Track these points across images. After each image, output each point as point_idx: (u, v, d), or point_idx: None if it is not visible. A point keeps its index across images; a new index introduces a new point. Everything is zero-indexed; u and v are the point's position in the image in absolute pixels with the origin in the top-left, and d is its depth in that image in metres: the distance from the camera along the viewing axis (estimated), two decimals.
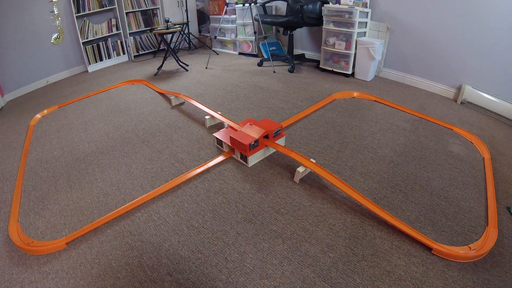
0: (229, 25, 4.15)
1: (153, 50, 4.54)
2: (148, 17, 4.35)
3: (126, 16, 4.03)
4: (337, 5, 2.91)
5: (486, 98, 2.24)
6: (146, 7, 4.23)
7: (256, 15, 3.34)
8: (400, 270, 1.08)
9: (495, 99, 2.20)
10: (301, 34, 3.75)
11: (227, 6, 3.78)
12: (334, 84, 2.88)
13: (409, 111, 2.27)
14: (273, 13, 3.89)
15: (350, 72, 3.05)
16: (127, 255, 1.20)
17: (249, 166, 1.70)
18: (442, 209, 1.35)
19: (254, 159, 1.71)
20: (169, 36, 3.72)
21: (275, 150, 1.81)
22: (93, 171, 1.76)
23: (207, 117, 2.16)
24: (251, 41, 4.00)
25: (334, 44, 3.03)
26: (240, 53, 4.22)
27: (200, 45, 4.80)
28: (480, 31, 2.23)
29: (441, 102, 2.46)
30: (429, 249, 1.16)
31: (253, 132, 1.72)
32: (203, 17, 4.93)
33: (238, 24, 4.01)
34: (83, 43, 3.67)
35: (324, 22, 3.00)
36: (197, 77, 3.29)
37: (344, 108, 2.37)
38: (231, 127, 1.97)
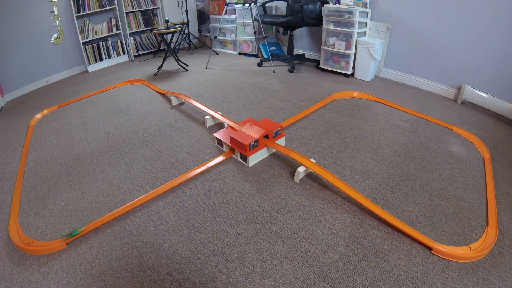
0: (229, 25, 4.15)
1: (153, 50, 4.54)
2: (148, 17, 4.35)
3: (126, 16, 4.03)
4: (337, 5, 2.91)
5: (486, 98, 2.24)
6: (146, 7, 4.23)
7: (256, 15, 3.34)
8: (400, 270, 1.08)
9: (495, 99, 2.20)
10: (301, 34, 3.75)
11: (227, 6, 3.78)
12: (334, 84, 2.88)
13: (409, 111, 2.27)
14: (273, 13, 3.89)
15: (350, 72, 3.05)
16: (127, 255, 1.20)
17: (249, 166, 1.70)
18: (442, 209, 1.35)
19: (254, 159, 1.71)
20: (169, 36, 3.73)
21: (275, 150, 1.81)
22: (93, 171, 1.76)
23: (207, 117, 2.16)
24: (251, 41, 4.00)
25: (334, 44, 3.03)
26: (240, 53, 4.22)
27: (200, 45, 4.80)
28: (480, 31, 2.23)
29: (441, 102, 2.46)
30: (429, 249, 1.16)
31: (253, 132, 1.72)
32: (203, 17, 4.93)
33: (238, 24, 4.01)
34: (83, 43, 3.67)
35: (324, 22, 3.00)
36: (197, 77, 3.29)
37: (344, 108, 2.37)
38: (231, 127, 1.97)
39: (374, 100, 2.49)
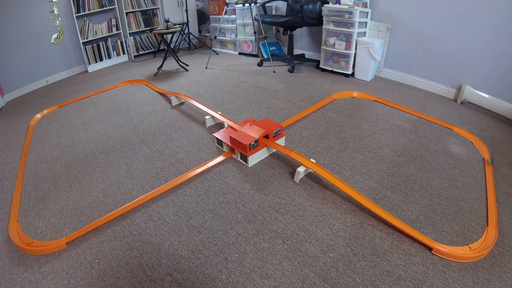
0: (229, 25, 4.15)
1: (153, 50, 4.54)
2: (148, 17, 4.35)
3: (126, 16, 4.03)
4: (337, 5, 2.91)
5: (486, 98, 2.24)
6: (146, 7, 4.23)
7: (256, 15, 3.34)
8: (400, 270, 1.08)
9: (495, 99, 2.20)
10: (301, 34, 3.75)
11: (227, 6, 3.78)
12: (334, 84, 2.88)
13: (409, 111, 2.27)
14: (273, 13, 3.89)
15: (350, 72, 3.05)
16: (127, 255, 1.20)
17: (249, 166, 1.70)
18: (442, 209, 1.35)
19: (254, 159, 1.71)
20: (169, 36, 3.72)
21: (275, 150, 1.81)
22: (93, 171, 1.76)
23: (207, 117, 2.16)
24: (251, 41, 3.99)
25: (334, 44, 3.03)
26: (240, 53, 4.22)
27: (200, 45, 4.80)
28: (480, 31, 2.23)
29: (441, 102, 2.46)
30: (429, 249, 1.16)
31: (253, 132, 1.72)
32: (203, 17, 4.93)
33: (238, 24, 4.01)
34: (83, 43, 3.67)
35: (324, 22, 3.00)
36: (197, 77, 3.29)
37: (344, 108, 2.37)
38: (231, 127, 1.97)
39: (374, 100, 2.49)
